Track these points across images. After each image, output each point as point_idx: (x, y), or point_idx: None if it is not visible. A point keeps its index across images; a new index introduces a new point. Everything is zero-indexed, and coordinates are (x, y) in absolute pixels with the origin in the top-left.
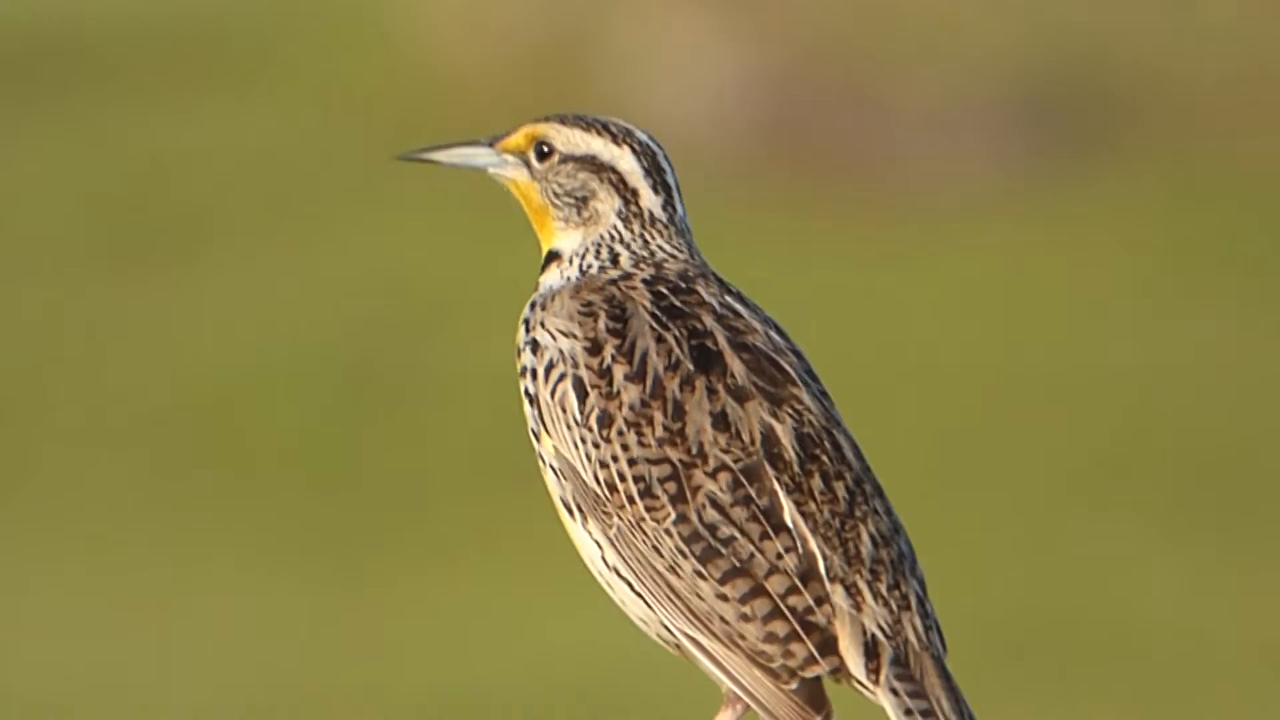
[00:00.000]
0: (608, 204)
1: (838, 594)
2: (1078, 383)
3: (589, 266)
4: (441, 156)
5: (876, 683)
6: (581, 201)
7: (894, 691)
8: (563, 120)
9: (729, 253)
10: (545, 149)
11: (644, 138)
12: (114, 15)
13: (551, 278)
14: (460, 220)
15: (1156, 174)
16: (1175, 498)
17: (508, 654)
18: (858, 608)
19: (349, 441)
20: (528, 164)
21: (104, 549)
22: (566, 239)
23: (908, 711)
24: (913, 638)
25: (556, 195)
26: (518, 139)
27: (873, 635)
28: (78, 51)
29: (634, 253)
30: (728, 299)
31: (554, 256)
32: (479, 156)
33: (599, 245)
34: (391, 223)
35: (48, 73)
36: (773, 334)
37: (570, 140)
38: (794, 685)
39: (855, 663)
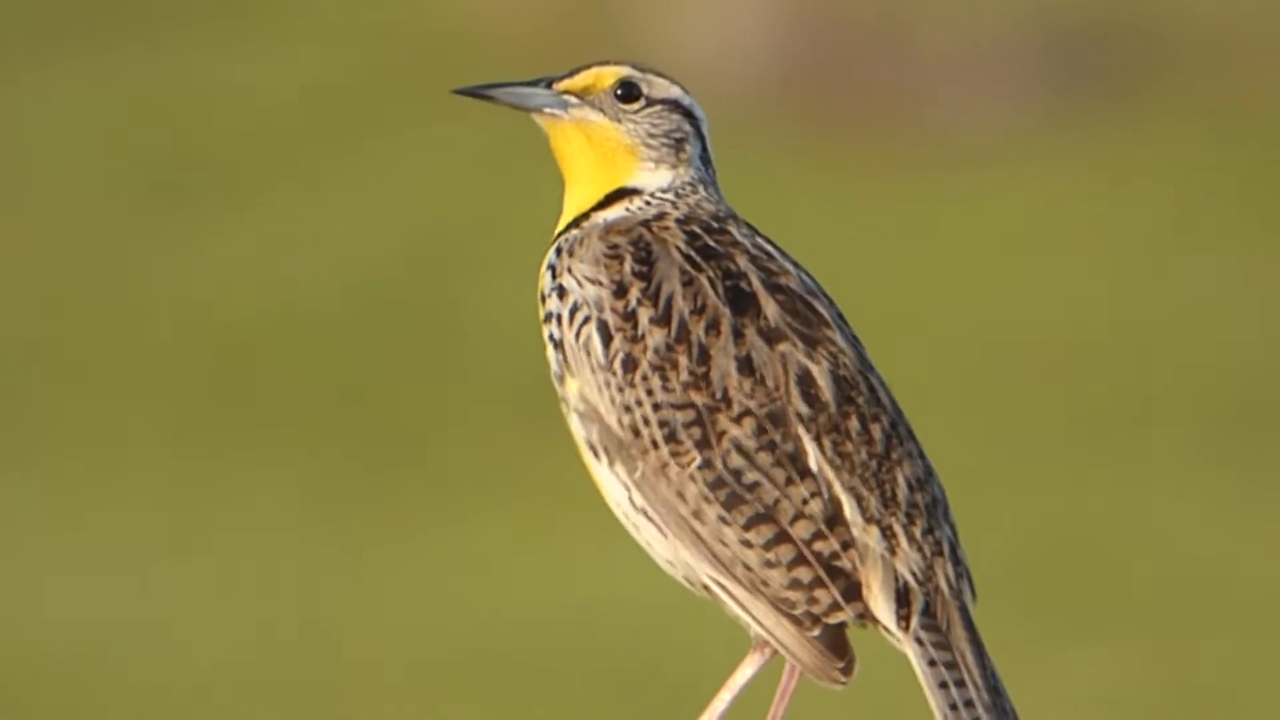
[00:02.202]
0: (694, 148)
1: (873, 536)
2: (1108, 322)
3: (665, 203)
4: (499, 94)
5: (906, 630)
6: (678, 143)
7: (919, 641)
8: (637, 65)
9: (754, 197)
10: (631, 91)
11: None
12: None
13: (614, 212)
14: (491, 162)
15: (1187, 111)
16: (1207, 435)
17: (536, 596)
18: (892, 551)
19: (381, 382)
20: (599, 106)
21: (135, 489)
22: (653, 177)
23: (931, 662)
24: (943, 585)
25: (651, 136)
26: (583, 80)
27: (905, 582)
28: None
29: (709, 193)
30: (759, 240)
31: (625, 193)
32: (536, 97)
33: (687, 185)
34: (423, 164)
35: (85, 13)
36: (804, 277)
37: (654, 84)
38: (817, 632)
39: (886, 609)
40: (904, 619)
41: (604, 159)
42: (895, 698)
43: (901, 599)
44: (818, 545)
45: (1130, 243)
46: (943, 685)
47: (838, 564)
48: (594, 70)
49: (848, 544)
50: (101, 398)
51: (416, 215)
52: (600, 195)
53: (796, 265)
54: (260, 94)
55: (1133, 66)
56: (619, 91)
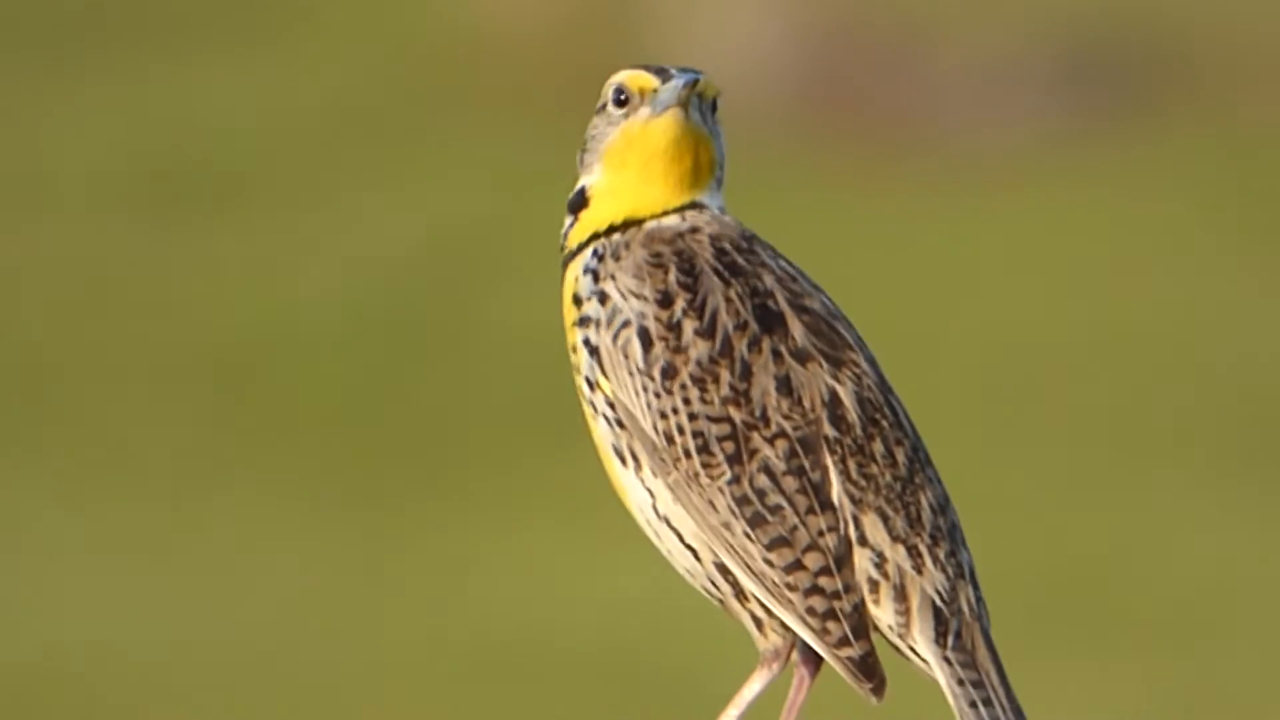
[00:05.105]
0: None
1: (900, 554)
2: (1119, 339)
3: (705, 219)
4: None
5: (945, 648)
6: (722, 163)
7: (948, 661)
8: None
9: (770, 213)
10: (715, 104)
11: None
12: None
13: (668, 220)
14: (502, 172)
15: (1202, 130)
16: (1227, 448)
17: (545, 604)
18: (919, 570)
19: (391, 391)
20: (703, 114)
21: (143, 497)
22: (715, 195)
23: (960, 682)
24: (965, 608)
25: (722, 154)
26: (700, 84)
27: (938, 602)
28: (120, 5)
29: (730, 215)
30: (782, 262)
31: (692, 206)
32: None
33: (721, 206)
34: (433, 174)
35: (91, 27)
36: (825, 300)
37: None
38: (844, 653)
39: (925, 626)
40: (942, 636)
41: (699, 169)
42: (910, 714)
43: (940, 617)
44: (822, 580)
45: (1146, 259)
46: (973, 705)
47: (838, 604)
48: (705, 80)
49: (850, 587)
50: (108, 404)
51: (425, 223)
52: (676, 203)
53: (817, 288)
54: (275, 107)
55: (1147, 84)
56: (715, 103)
